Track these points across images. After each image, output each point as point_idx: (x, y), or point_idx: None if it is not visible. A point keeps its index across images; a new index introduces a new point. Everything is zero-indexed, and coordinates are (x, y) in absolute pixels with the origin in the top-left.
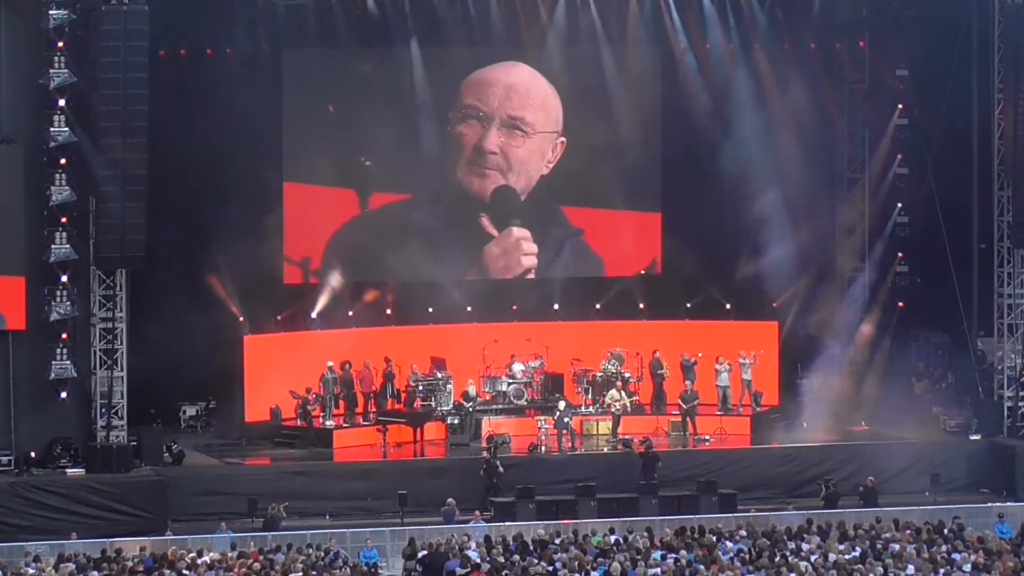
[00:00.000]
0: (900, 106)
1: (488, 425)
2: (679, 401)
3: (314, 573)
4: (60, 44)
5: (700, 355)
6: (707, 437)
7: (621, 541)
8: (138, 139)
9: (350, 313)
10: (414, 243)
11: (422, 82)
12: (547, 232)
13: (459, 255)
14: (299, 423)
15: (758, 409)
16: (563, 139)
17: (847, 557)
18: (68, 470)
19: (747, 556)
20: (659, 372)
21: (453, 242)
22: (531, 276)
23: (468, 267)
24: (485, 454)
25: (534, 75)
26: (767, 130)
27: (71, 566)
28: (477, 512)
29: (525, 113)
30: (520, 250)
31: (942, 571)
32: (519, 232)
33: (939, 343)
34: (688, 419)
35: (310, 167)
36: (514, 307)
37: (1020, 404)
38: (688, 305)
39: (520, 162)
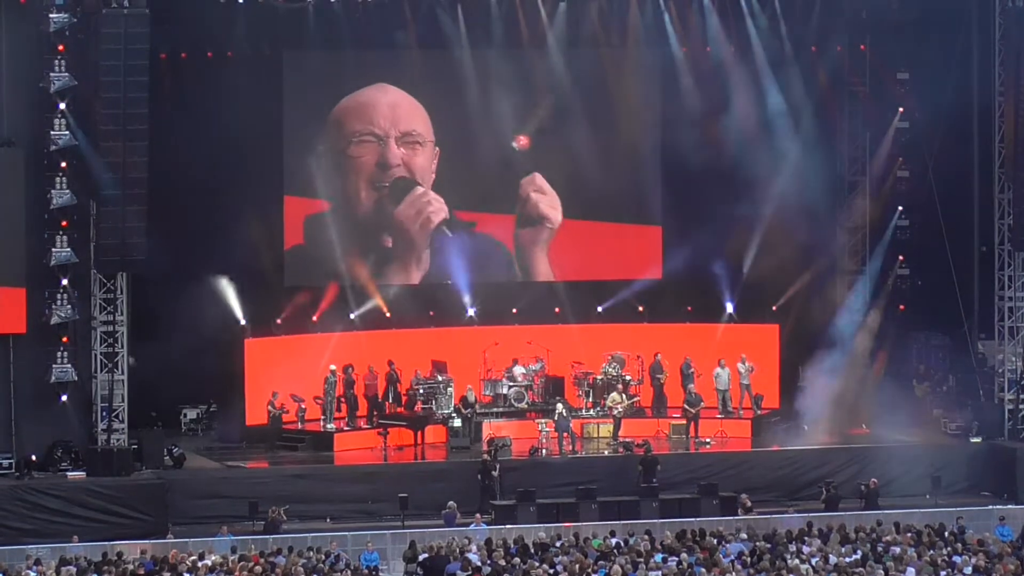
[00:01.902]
0: (901, 108)
1: (489, 428)
2: (685, 405)
3: None
4: (61, 47)
5: (700, 376)
6: (708, 440)
7: (622, 544)
8: (139, 142)
9: (351, 316)
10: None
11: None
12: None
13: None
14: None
15: (759, 412)
16: (437, 148)
17: (848, 560)
18: (69, 473)
19: (748, 559)
20: (657, 376)
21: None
22: (442, 221)
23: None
24: (485, 457)
25: (402, 93)
26: (767, 132)
27: (72, 569)
28: (478, 515)
29: (413, 125)
30: (429, 197)
31: (943, 574)
32: (422, 188)
33: (940, 346)
34: (692, 423)
35: (310, 168)
36: (514, 310)
37: (1021, 407)
38: (689, 308)
39: (420, 170)
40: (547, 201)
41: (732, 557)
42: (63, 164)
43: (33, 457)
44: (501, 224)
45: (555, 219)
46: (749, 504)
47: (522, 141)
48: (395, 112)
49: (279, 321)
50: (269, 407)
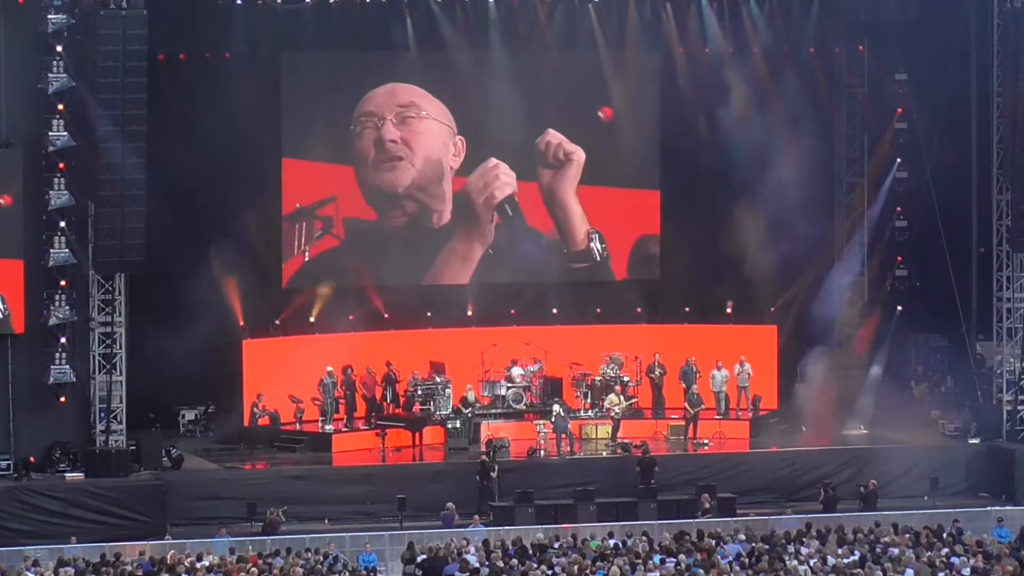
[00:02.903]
0: (899, 110)
1: (487, 429)
2: (686, 405)
3: None
4: (59, 48)
5: (701, 377)
6: (706, 441)
7: (620, 545)
8: (137, 143)
9: (350, 317)
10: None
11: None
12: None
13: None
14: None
15: (756, 413)
16: (461, 137)
17: (846, 561)
18: (67, 474)
19: (746, 560)
20: (651, 376)
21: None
22: (506, 198)
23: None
24: (484, 458)
25: (406, 85)
26: (766, 134)
27: (70, 570)
28: (476, 516)
29: (412, 99)
30: (499, 171)
31: (941, 575)
32: (495, 160)
33: (938, 347)
34: (691, 424)
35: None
36: (512, 311)
37: (1019, 408)
38: (687, 309)
39: (423, 147)
40: (566, 143)
41: (730, 558)
42: (61, 165)
43: (31, 458)
44: (526, 190)
45: (579, 153)
46: (708, 506)
47: (608, 112)
48: (392, 92)
49: (277, 322)
50: (253, 409)
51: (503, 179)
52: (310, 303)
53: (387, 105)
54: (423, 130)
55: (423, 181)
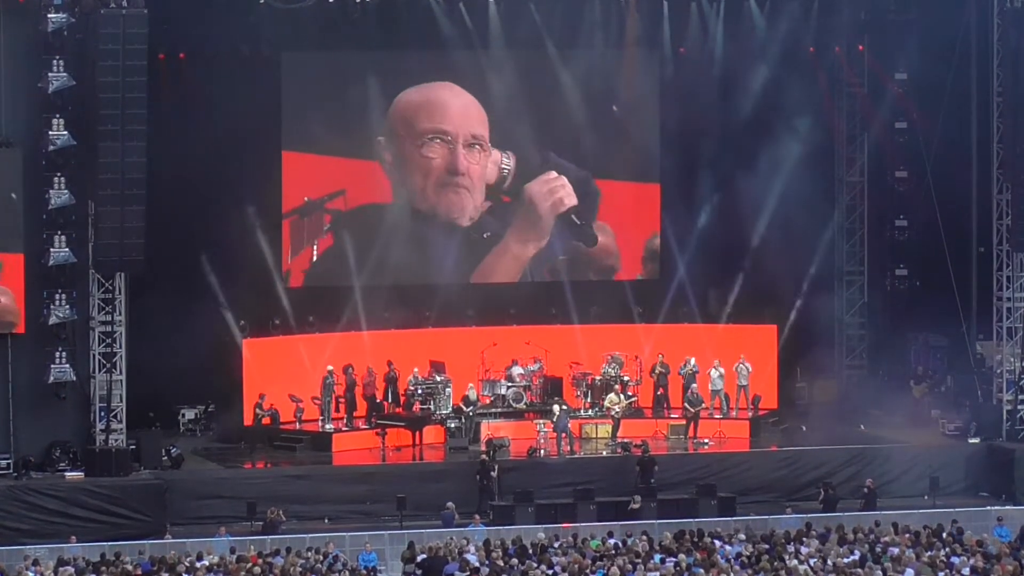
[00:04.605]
0: (899, 110)
1: (487, 429)
2: (685, 404)
3: None
4: (59, 47)
5: (698, 371)
6: (706, 440)
7: (620, 545)
8: (137, 143)
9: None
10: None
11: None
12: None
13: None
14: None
15: (756, 413)
16: (510, 154)
17: (846, 560)
18: (67, 474)
19: (746, 560)
20: (654, 376)
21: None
22: (572, 208)
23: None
24: (484, 457)
25: (471, 96)
26: (765, 133)
27: (70, 570)
28: (476, 516)
29: (482, 130)
30: (563, 181)
31: (941, 575)
32: (555, 172)
33: (938, 347)
34: (692, 423)
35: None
36: (511, 310)
37: (1019, 407)
38: (686, 309)
39: (479, 178)
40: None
41: (730, 558)
42: (61, 164)
43: (31, 457)
44: None
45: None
46: (638, 506)
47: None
48: (467, 113)
49: (277, 321)
50: (256, 409)
51: (568, 188)
52: (330, 299)
53: (462, 128)
54: (482, 162)
55: (473, 212)
